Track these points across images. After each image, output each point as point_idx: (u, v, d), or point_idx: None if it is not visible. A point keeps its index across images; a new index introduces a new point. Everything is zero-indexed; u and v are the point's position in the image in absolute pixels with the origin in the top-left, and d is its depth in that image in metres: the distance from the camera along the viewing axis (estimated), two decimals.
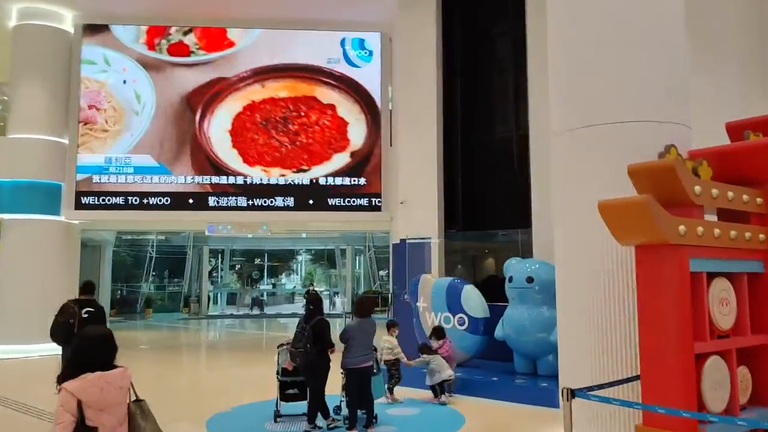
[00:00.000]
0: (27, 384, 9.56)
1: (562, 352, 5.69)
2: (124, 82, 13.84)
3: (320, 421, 6.27)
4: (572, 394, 4.08)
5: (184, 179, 13.38)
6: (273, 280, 32.48)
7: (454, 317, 8.96)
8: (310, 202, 13.47)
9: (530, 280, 8.12)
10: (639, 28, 5.35)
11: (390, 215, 13.42)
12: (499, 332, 8.50)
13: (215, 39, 13.98)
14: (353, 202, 13.58)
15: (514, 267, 8.47)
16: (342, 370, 6.34)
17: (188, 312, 24.61)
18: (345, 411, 6.58)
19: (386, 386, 7.54)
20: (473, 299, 8.91)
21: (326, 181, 13.56)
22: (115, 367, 3.11)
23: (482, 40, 11.87)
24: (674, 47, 5.44)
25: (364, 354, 6.14)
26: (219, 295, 27.70)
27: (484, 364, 9.05)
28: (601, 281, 5.13)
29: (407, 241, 11.12)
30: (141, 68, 13.86)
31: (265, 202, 13.43)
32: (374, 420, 6.33)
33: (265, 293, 28.99)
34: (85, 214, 13.37)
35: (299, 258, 33.19)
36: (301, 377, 6.54)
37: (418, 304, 9.55)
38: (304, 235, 24.98)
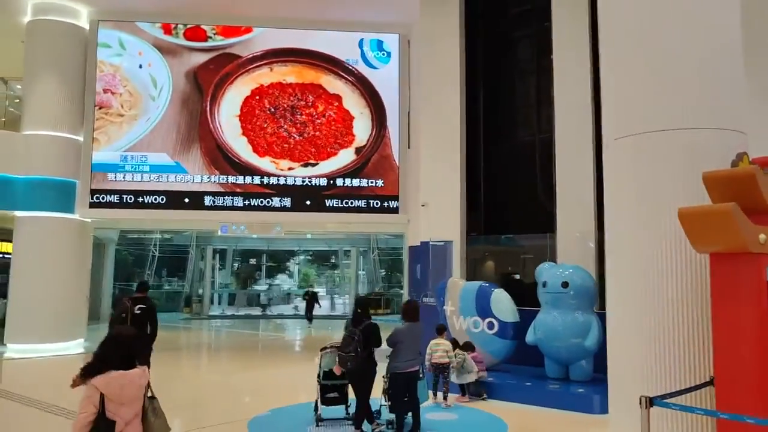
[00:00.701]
0: (48, 383, 9.43)
1: (612, 359, 5.64)
2: (140, 66, 13.62)
3: (364, 425, 6.19)
4: (650, 402, 4.04)
5: (200, 178, 13.23)
6: (276, 281, 32.17)
7: (483, 321, 8.92)
8: (324, 203, 13.36)
9: (565, 284, 8.08)
10: (699, 33, 5.32)
11: (407, 218, 13.35)
12: (530, 337, 8.46)
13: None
14: (369, 204, 13.48)
15: (548, 272, 8.42)
16: (385, 375, 6.28)
17: (190, 312, 24.27)
18: (385, 415, 6.53)
19: (442, 393, 7.68)
20: (503, 303, 8.87)
21: (343, 182, 13.46)
22: (136, 366, 3.41)
23: (505, 42, 11.84)
24: (732, 53, 5.42)
25: (412, 359, 6.08)
26: (221, 295, 27.40)
27: (514, 368, 9.01)
28: (661, 287, 5.08)
29: (430, 243, 11.06)
30: (157, 52, 13.65)
31: (289, 202, 13.30)
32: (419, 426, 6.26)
33: (270, 293, 28.69)
34: (100, 212, 13.16)
35: (301, 258, 32.96)
36: (342, 381, 6.48)
37: (445, 307, 9.49)
38: (309, 236, 24.85)
